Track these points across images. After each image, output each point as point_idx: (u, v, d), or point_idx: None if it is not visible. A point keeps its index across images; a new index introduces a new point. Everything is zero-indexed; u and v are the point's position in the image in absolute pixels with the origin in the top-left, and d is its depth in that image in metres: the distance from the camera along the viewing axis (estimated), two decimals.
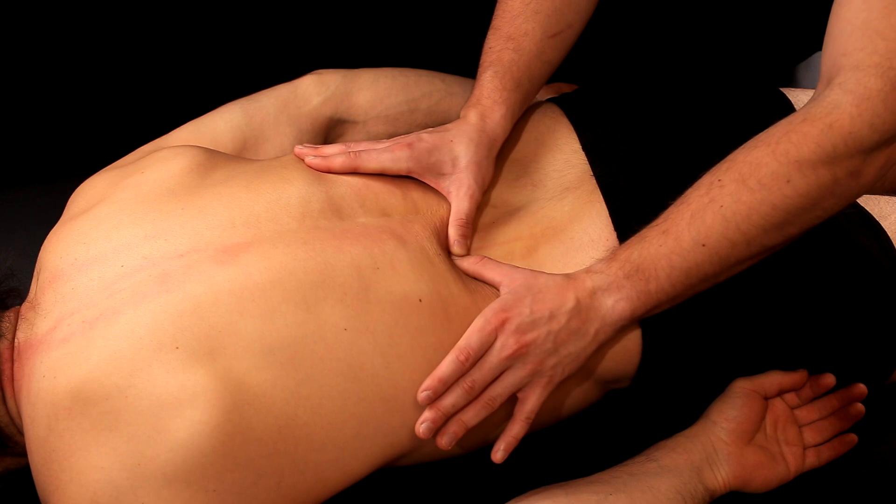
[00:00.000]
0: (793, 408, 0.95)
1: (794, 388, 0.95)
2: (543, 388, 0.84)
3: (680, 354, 0.91)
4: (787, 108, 1.01)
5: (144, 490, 0.75)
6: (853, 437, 0.95)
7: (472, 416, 0.83)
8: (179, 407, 0.76)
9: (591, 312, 0.84)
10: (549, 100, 1.05)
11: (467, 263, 0.89)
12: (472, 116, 0.93)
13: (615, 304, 0.84)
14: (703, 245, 0.81)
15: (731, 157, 0.82)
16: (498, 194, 0.95)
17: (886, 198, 1.02)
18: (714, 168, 0.83)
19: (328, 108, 1.06)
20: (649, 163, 0.94)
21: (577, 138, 0.98)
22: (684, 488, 0.86)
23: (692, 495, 0.87)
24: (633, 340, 0.90)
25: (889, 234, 0.96)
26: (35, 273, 0.89)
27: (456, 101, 1.10)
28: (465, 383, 0.82)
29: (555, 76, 1.18)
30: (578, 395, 0.92)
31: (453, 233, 0.89)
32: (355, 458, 0.82)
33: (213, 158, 0.93)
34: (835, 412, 0.96)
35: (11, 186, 1.20)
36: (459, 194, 0.90)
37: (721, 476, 0.89)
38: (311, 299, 0.81)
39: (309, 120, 1.06)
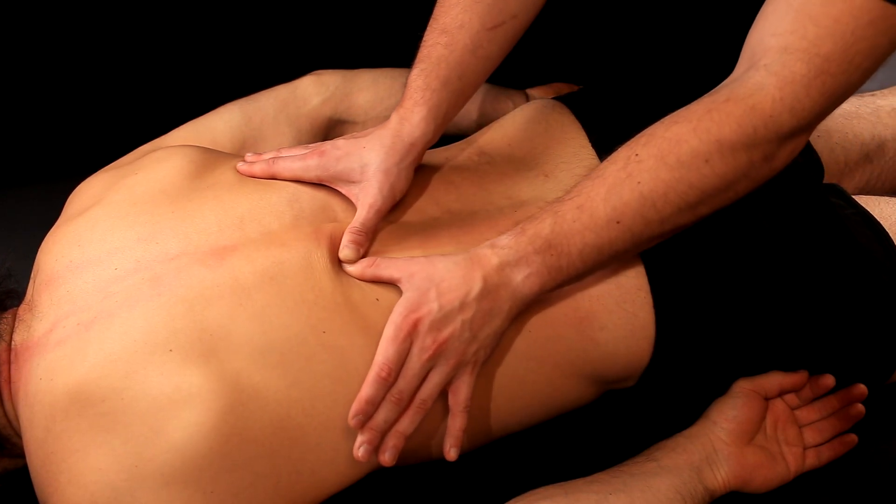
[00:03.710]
0: (793, 408, 0.95)
1: (795, 389, 0.95)
2: (471, 375, 0.83)
3: (685, 354, 0.91)
4: None
5: (142, 491, 0.75)
6: (853, 438, 0.95)
7: (407, 425, 0.82)
8: (175, 408, 0.76)
9: (502, 290, 0.82)
10: (553, 98, 1.04)
11: (359, 269, 0.85)
12: (392, 119, 0.91)
13: (525, 279, 0.82)
14: (618, 222, 0.80)
15: (649, 130, 0.81)
16: (504, 189, 0.94)
17: (886, 198, 1.02)
18: (631, 141, 0.82)
19: (327, 109, 1.06)
20: None
21: (584, 134, 0.97)
22: (684, 488, 0.86)
23: (692, 495, 0.87)
24: (645, 340, 0.90)
25: (890, 235, 0.96)
26: (32, 275, 0.89)
27: None
28: (393, 397, 0.80)
29: (556, 76, 1.18)
30: (576, 394, 0.92)
31: (344, 239, 0.85)
32: (350, 458, 0.82)
33: (209, 158, 0.93)
34: (835, 412, 0.96)
35: (11, 187, 1.20)
36: (363, 203, 0.87)
37: (721, 476, 0.89)
38: (291, 302, 0.81)
39: (308, 120, 1.06)
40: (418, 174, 0.93)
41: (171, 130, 1.05)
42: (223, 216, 0.85)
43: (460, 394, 0.83)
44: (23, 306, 0.86)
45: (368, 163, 0.88)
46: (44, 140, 1.26)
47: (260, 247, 0.84)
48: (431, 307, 0.80)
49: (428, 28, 0.94)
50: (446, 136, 1.07)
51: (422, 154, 0.92)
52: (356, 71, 1.09)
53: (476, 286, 0.81)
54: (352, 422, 0.80)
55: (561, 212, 0.82)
